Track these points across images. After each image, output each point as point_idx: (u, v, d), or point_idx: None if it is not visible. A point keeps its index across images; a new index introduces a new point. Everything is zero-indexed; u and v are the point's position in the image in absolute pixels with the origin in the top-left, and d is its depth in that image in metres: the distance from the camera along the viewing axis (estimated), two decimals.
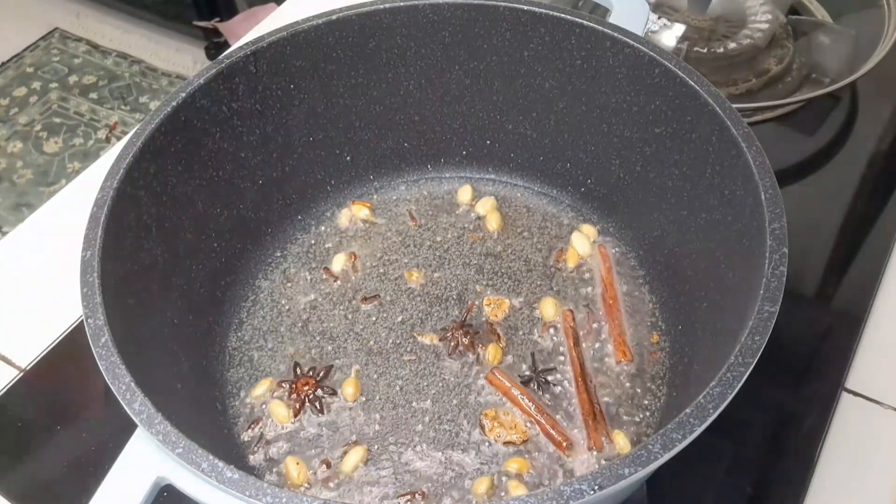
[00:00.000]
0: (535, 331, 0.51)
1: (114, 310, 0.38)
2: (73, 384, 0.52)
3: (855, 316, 0.54)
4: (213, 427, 0.46)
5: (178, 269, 0.47)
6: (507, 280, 0.53)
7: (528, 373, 0.49)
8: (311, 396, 0.48)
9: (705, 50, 0.70)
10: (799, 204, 0.59)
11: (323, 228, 0.57)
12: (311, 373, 0.49)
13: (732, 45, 0.71)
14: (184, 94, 0.46)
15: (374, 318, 0.52)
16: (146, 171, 0.44)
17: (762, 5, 0.74)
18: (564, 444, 0.45)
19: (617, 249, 0.55)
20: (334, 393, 0.48)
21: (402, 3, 0.51)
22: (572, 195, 0.58)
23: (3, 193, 1.60)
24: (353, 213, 0.58)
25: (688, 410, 0.32)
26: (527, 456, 0.45)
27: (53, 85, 1.81)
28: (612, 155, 0.54)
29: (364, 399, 0.48)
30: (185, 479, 0.33)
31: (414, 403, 0.48)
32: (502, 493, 0.44)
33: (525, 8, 0.51)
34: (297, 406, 0.48)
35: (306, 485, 0.45)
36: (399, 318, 0.52)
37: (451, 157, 0.59)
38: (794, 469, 0.47)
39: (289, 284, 0.54)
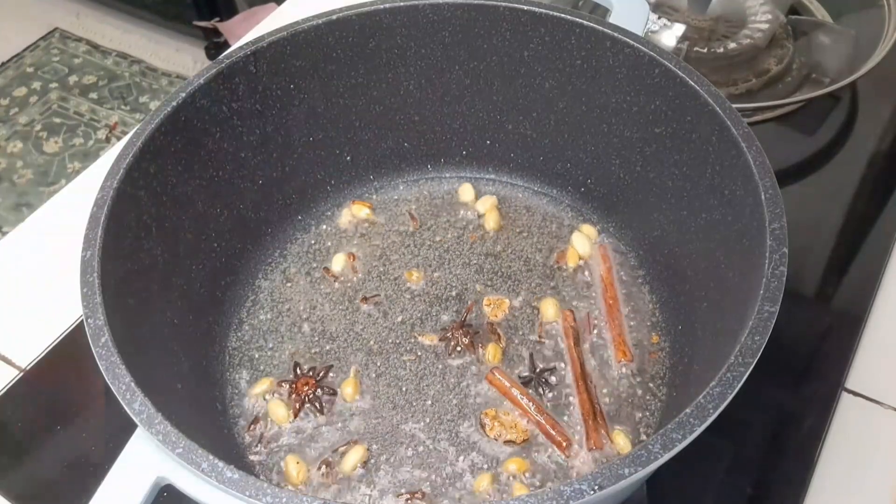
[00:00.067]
0: (535, 331, 0.51)
1: (114, 310, 0.38)
2: (73, 384, 0.52)
3: (855, 316, 0.54)
4: (213, 427, 0.46)
5: (178, 269, 0.47)
6: (507, 280, 0.53)
7: (528, 373, 0.49)
8: (311, 396, 0.48)
9: (705, 50, 0.70)
10: (799, 204, 0.59)
11: (323, 228, 0.57)
12: (311, 373, 0.49)
13: (732, 45, 0.71)
14: (184, 94, 0.46)
15: (374, 318, 0.52)
16: (146, 171, 0.44)
17: (762, 5, 0.74)
18: (564, 444, 0.45)
19: (617, 249, 0.55)
20: (334, 393, 0.48)
21: (402, 3, 0.51)
22: (572, 195, 0.58)
23: (3, 193, 1.60)
24: (353, 213, 0.58)
25: (688, 410, 0.32)
26: (527, 456, 0.45)
27: (53, 85, 1.81)
28: (612, 155, 0.54)
29: (364, 399, 0.48)
30: (185, 479, 0.33)
31: (414, 403, 0.48)
32: (503, 493, 0.44)
33: (525, 8, 0.51)
34: (297, 406, 0.48)
35: (306, 484, 0.45)
36: (399, 318, 0.52)
37: (451, 157, 0.59)
38: (794, 469, 0.47)
39: (289, 284, 0.54)
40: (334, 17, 0.51)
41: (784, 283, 0.36)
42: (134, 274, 0.43)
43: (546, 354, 0.49)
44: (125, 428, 0.35)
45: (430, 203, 0.58)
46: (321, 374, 0.49)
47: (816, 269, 0.58)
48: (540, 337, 0.50)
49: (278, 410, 0.47)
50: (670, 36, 0.72)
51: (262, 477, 0.45)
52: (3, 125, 1.73)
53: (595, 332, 0.50)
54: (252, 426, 0.47)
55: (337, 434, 0.47)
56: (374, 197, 0.59)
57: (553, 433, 0.46)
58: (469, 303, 0.52)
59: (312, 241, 0.57)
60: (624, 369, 0.48)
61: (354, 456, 0.45)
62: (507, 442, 0.46)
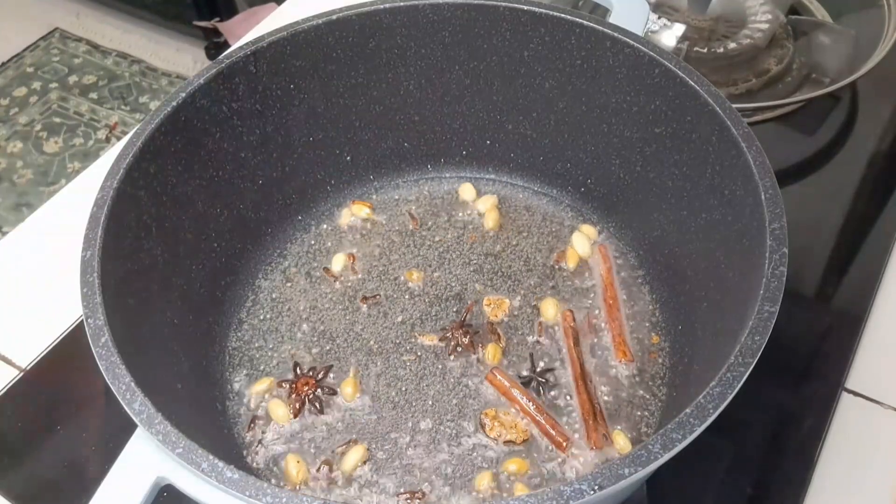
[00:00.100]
0: (535, 331, 0.51)
1: (114, 310, 0.38)
2: (73, 384, 0.52)
3: (855, 316, 0.54)
4: (213, 427, 0.46)
5: (178, 269, 0.47)
6: (506, 280, 0.53)
7: (528, 373, 0.49)
8: (311, 396, 0.48)
9: (705, 50, 0.70)
10: (799, 204, 0.59)
11: (323, 228, 0.57)
12: (311, 373, 0.49)
13: (732, 45, 0.71)
14: (184, 94, 0.46)
15: (374, 318, 0.52)
16: (146, 171, 0.44)
17: (762, 5, 0.74)
18: (564, 444, 0.45)
19: (617, 249, 0.55)
20: (334, 393, 0.48)
21: (402, 3, 0.51)
22: (572, 195, 0.58)
23: (3, 193, 1.60)
24: (353, 213, 0.58)
25: (688, 410, 0.32)
26: (527, 456, 0.45)
27: (53, 85, 1.81)
28: (612, 155, 0.54)
29: (364, 399, 0.48)
30: (185, 479, 0.33)
31: (414, 403, 0.48)
32: (503, 493, 0.44)
33: (525, 8, 0.51)
34: (297, 406, 0.48)
35: (306, 484, 0.45)
36: (399, 318, 0.52)
37: (451, 157, 0.59)
38: (794, 469, 0.47)
39: (289, 284, 0.54)
40: (334, 17, 0.51)
41: (784, 283, 0.36)
42: (134, 274, 0.43)
43: (546, 354, 0.50)
44: (125, 428, 0.35)
45: (430, 203, 0.58)
46: (321, 374, 0.49)
47: (816, 269, 0.58)
48: (540, 337, 0.50)
49: (278, 410, 0.47)
50: (670, 36, 0.72)
51: (262, 477, 0.45)
52: (3, 125, 1.73)
53: (595, 332, 0.50)
54: (252, 426, 0.47)
55: (337, 434, 0.47)
56: (374, 197, 0.59)
57: (553, 433, 0.46)
58: (469, 303, 0.52)
59: (312, 241, 0.57)
60: (624, 369, 0.48)
61: (354, 456, 0.45)
62: (507, 442, 0.46)
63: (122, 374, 0.35)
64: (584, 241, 0.55)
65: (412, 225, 0.57)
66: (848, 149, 0.66)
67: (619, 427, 0.46)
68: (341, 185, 0.58)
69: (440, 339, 0.50)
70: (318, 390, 0.48)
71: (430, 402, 0.48)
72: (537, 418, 0.46)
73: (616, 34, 0.48)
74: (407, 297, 0.53)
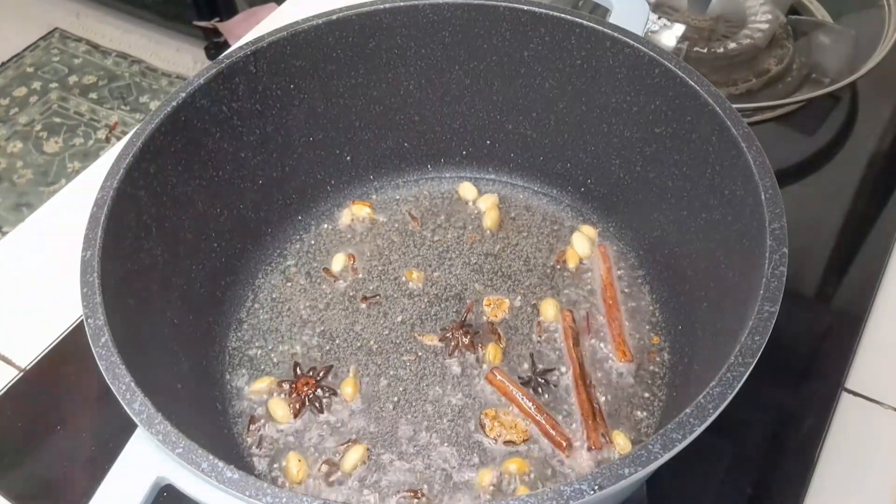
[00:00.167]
0: (535, 331, 0.51)
1: (114, 310, 0.38)
2: (73, 384, 0.52)
3: (855, 316, 0.54)
4: (213, 427, 0.46)
5: (178, 269, 0.47)
6: (507, 280, 0.53)
7: (528, 373, 0.49)
8: (311, 396, 0.48)
9: (705, 50, 0.70)
10: (799, 204, 0.59)
11: (323, 228, 0.57)
12: (311, 373, 0.49)
13: (732, 45, 0.71)
14: (184, 94, 0.46)
15: (374, 318, 0.52)
16: (146, 171, 0.44)
17: (762, 5, 0.74)
18: (564, 444, 0.45)
19: (617, 249, 0.55)
20: (334, 393, 0.48)
21: (402, 3, 0.51)
22: (572, 195, 0.58)
23: (3, 193, 1.60)
24: (353, 213, 0.58)
25: (688, 410, 0.32)
26: (527, 456, 0.45)
27: (53, 85, 1.81)
28: (612, 155, 0.54)
29: (364, 399, 0.48)
30: (185, 479, 0.33)
31: (414, 403, 0.48)
32: (502, 493, 0.44)
33: (525, 8, 0.51)
34: (297, 406, 0.48)
35: (306, 484, 0.45)
36: (399, 318, 0.52)
37: (451, 157, 0.59)
38: (794, 469, 0.47)
39: (289, 284, 0.54)
40: (334, 17, 0.51)
41: (784, 283, 0.36)
42: (134, 274, 0.43)
43: (546, 354, 0.50)
44: (125, 428, 0.35)
45: (430, 203, 0.58)
46: (321, 374, 0.49)
47: (816, 269, 0.58)
48: (540, 337, 0.50)
49: (278, 410, 0.47)
50: (670, 36, 0.72)
51: (262, 477, 0.45)
52: (3, 125, 1.73)
53: (595, 332, 0.50)
54: (252, 426, 0.47)
55: (337, 434, 0.47)
56: (374, 197, 0.59)
57: (553, 433, 0.46)
58: (469, 303, 0.52)
59: (312, 241, 0.57)
60: (624, 369, 0.48)
61: (354, 455, 0.45)
62: (507, 442, 0.46)
63: (122, 374, 0.35)
64: (584, 241, 0.55)
65: (412, 225, 0.57)
66: (848, 149, 0.66)
67: (619, 427, 0.46)
68: (341, 185, 0.58)
69: (440, 339, 0.50)
70: (318, 390, 0.48)
71: (430, 402, 0.48)
72: (537, 418, 0.46)
73: (616, 34, 0.48)
74: (407, 297, 0.53)
